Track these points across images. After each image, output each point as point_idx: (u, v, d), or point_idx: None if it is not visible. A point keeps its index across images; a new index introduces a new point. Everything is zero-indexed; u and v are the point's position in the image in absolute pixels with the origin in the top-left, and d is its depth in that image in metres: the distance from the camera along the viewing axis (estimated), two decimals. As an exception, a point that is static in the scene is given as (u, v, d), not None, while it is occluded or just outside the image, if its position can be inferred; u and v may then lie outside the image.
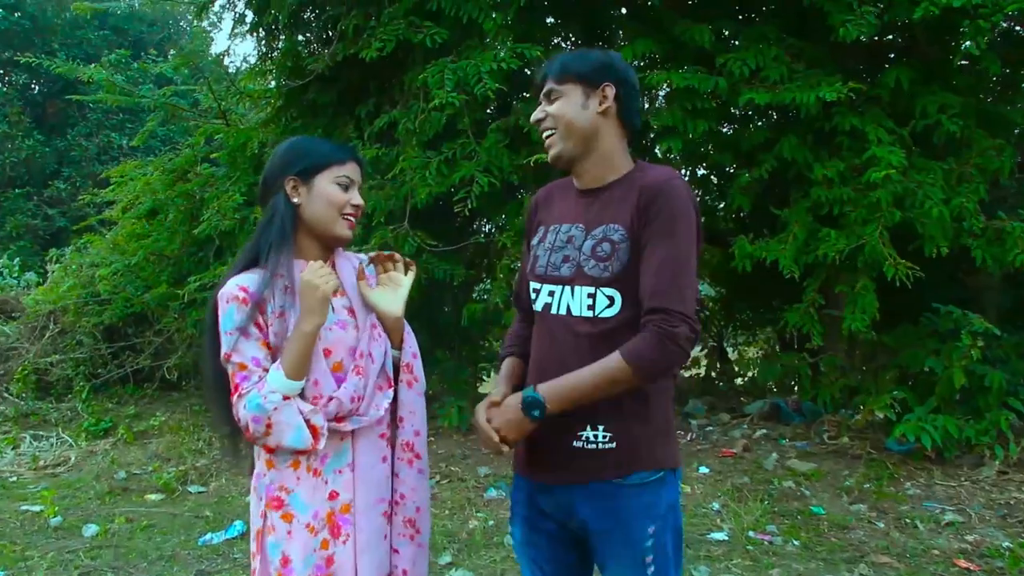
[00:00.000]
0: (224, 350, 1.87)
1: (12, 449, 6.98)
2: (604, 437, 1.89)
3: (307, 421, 1.85)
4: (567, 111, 1.95)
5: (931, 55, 5.75)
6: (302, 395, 1.88)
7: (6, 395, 8.23)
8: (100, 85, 8.44)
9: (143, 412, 7.60)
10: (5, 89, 20.07)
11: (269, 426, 1.82)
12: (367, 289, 2.06)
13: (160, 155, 9.95)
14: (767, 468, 5.50)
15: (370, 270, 2.08)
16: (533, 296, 2.04)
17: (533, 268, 2.04)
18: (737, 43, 5.68)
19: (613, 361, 1.80)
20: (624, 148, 2.01)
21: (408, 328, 2.13)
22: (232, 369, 1.87)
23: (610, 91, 1.94)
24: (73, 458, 6.65)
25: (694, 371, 10.12)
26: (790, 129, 5.76)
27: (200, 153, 8.11)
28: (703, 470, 5.51)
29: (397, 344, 2.08)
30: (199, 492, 5.63)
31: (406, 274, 2.10)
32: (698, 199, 8.58)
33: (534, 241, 2.09)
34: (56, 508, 5.15)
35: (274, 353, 1.90)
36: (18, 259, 11.86)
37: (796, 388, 7.41)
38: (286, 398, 1.83)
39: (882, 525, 4.58)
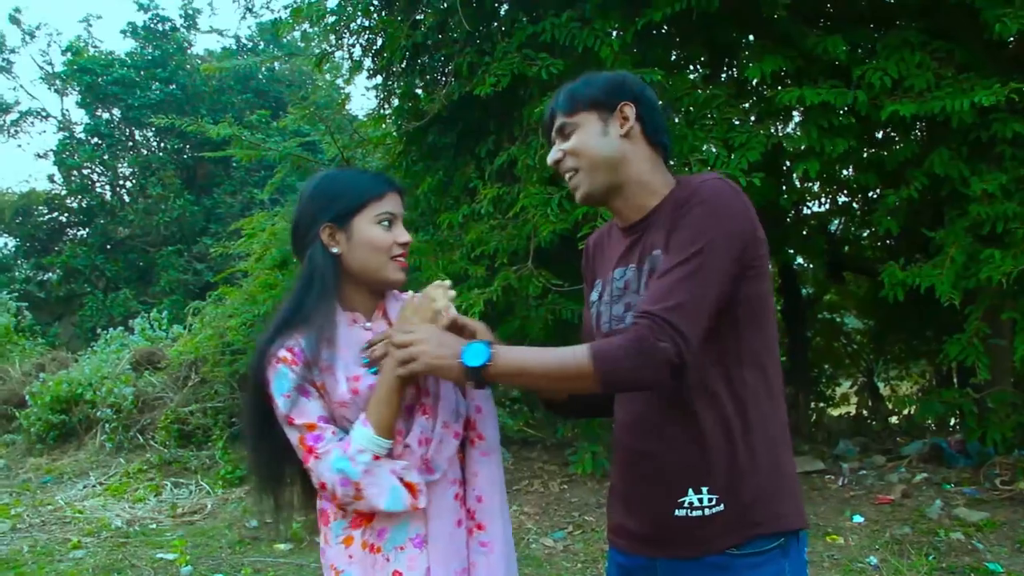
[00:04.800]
0: (284, 412, 1.66)
1: (155, 496, 7.27)
2: (710, 500, 1.60)
3: (401, 480, 1.63)
4: (587, 143, 1.71)
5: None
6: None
7: (152, 443, 8.59)
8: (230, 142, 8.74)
9: (275, 460, 7.69)
10: (160, 155, 21.65)
11: (359, 490, 1.61)
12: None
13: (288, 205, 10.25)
14: (931, 517, 4.99)
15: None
16: None
17: (599, 328, 1.79)
18: (875, 53, 5.24)
19: (576, 352, 1.54)
20: (661, 169, 1.75)
21: None
22: (299, 433, 1.66)
23: (629, 110, 1.71)
24: (209, 505, 6.81)
25: (844, 409, 9.50)
26: (941, 142, 5.26)
27: (326, 202, 8.20)
28: (857, 519, 5.04)
29: (461, 393, 1.82)
30: (326, 542, 5.55)
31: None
32: (840, 226, 8.21)
33: (593, 297, 1.86)
34: (187, 557, 5.22)
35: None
36: (166, 312, 12.45)
37: (958, 427, 6.80)
38: (376, 458, 1.62)
39: (1077, 587, 4.00)
